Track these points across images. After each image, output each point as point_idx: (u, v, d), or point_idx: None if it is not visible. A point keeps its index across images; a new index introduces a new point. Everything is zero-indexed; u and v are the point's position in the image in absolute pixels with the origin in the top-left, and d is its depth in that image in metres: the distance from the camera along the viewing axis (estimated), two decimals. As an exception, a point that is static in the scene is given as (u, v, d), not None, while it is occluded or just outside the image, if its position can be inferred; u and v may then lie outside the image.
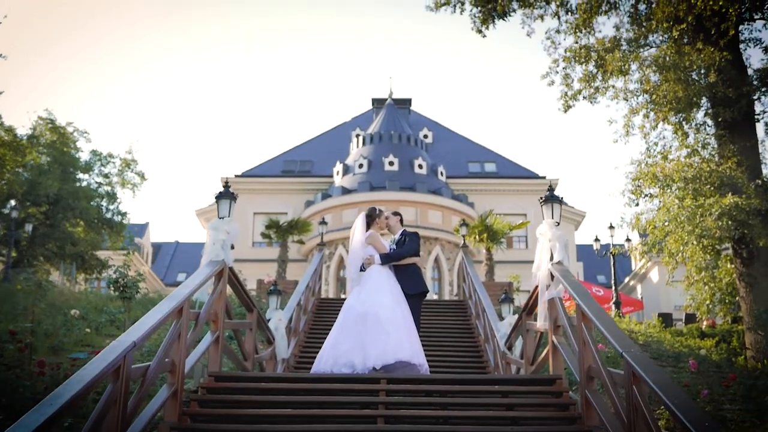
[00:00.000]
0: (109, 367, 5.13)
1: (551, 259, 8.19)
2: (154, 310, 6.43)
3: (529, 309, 9.51)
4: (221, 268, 8.23)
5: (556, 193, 8.61)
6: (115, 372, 5.32)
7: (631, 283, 49.37)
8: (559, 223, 8.41)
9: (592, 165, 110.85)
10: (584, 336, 6.87)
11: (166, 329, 8.90)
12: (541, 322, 8.43)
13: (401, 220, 9.98)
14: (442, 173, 44.88)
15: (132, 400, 5.72)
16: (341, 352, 8.53)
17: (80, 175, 35.78)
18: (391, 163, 43.13)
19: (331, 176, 45.89)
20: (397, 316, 8.73)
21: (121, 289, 12.20)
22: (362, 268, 9.34)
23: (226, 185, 8.81)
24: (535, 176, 47.97)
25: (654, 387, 4.79)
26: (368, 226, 9.54)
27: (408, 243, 9.56)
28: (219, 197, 8.64)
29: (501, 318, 13.20)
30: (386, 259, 9.33)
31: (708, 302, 18.95)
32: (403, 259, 9.47)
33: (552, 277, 8.13)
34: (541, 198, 8.60)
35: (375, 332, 8.48)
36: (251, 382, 7.88)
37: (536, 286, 8.46)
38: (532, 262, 8.81)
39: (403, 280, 9.33)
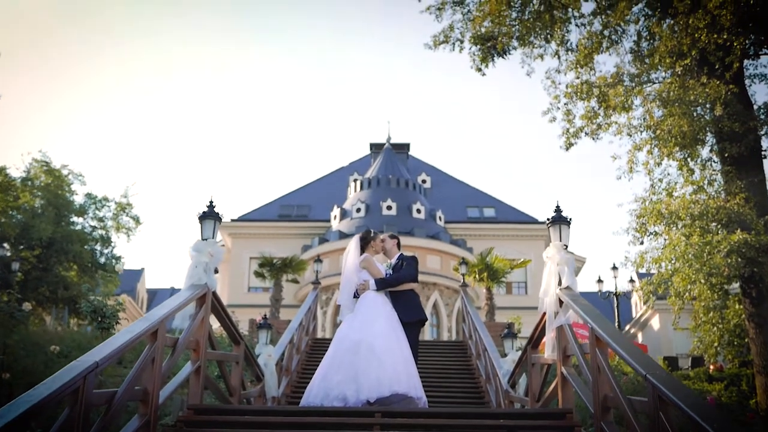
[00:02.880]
0: (65, 387, 4.47)
1: (559, 284, 7.60)
2: (124, 330, 5.81)
3: (535, 341, 8.87)
4: (203, 292, 7.60)
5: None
6: (73, 395, 4.66)
7: (632, 330, 48.59)
8: (567, 246, 7.83)
9: (591, 210, 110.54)
10: (599, 362, 6.25)
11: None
12: (548, 353, 7.79)
13: (398, 244, 9.34)
14: (440, 218, 44.38)
15: (93, 429, 5.05)
16: (333, 384, 7.85)
17: (74, 219, 35.33)
18: (389, 208, 42.63)
19: (329, 221, 45.42)
20: (393, 345, 8.07)
21: (99, 319, 11.50)
22: (356, 295, 8.73)
23: (211, 205, 8.24)
24: (535, 221, 47.49)
25: (688, 410, 4.16)
26: (363, 249, 8.91)
27: (405, 267, 8.91)
28: (202, 217, 8.08)
29: (503, 355, 12.58)
30: (382, 284, 8.67)
31: (716, 344, 18.31)
32: (400, 285, 8.80)
33: (561, 303, 7.53)
34: (548, 219, 8.03)
35: (369, 362, 7.81)
36: (235, 416, 7.20)
37: (543, 314, 7.86)
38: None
39: (399, 307, 8.65)
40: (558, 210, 8.05)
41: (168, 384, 6.89)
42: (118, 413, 5.46)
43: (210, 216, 8.10)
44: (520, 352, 10.47)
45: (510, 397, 10.51)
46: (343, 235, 41.38)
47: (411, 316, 8.73)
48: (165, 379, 6.70)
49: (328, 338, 28.11)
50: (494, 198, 51.38)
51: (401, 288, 8.82)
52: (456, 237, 44.48)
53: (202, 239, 8.01)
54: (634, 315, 49.40)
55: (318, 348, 17.57)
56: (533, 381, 8.93)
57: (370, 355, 7.88)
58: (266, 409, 8.17)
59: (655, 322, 44.41)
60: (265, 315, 12.82)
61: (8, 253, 31.18)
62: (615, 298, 27.01)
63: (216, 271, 7.91)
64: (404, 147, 55.31)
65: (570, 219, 7.96)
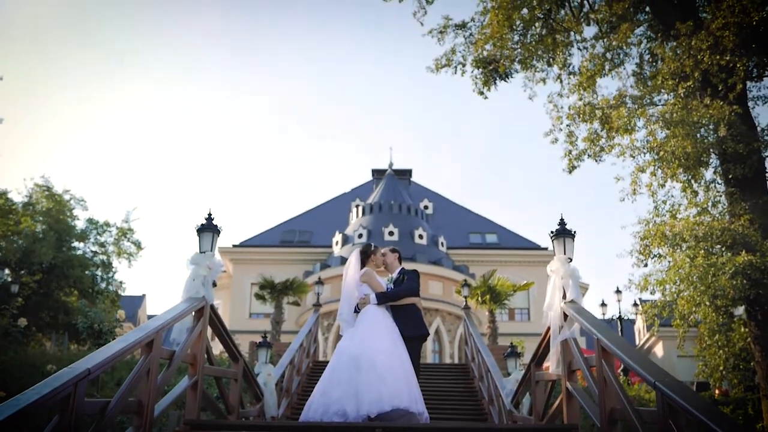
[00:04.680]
0: (55, 393, 4.33)
1: (564, 297, 7.45)
2: (118, 340, 5.67)
3: (539, 359, 8.70)
4: (201, 305, 7.46)
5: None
6: (63, 402, 4.52)
7: (636, 357, 48.29)
8: (571, 259, 7.69)
9: (594, 237, 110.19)
10: (605, 374, 6.09)
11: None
12: (553, 368, 7.62)
13: (399, 258, 9.21)
14: (442, 244, 44.22)
15: (85, 439, 4.90)
16: (332, 399, 7.67)
17: (76, 243, 35.16)
18: (391, 233, 42.48)
19: (331, 246, 45.27)
20: (394, 359, 7.89)
21: (95, 335, 11.29)
22: (356, 309, 8.58)
23: (209, 217, 8.10)
24: (537, 247, 47.36)
25: (699, 415, 4.00)
26: (363, 263, 8.78)
27: (407, 282, 8.76)
28: (201, 230, 7.94)
29: (506, 376, 12.38)
30: (383, 298, 8.50)
31: (721, 368, 18.05)
32: (401, 299, 8.63)
33: (565, 317, 7.37)
34: (552, 232, 7.90)
35: (369, 377, 7.63)
36: (232, 431, 7.04)
37: (548, 328, 7.70)
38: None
39: (401, 322, 8.47)
40: (562, 222, 7.91)
41: (164, 397, 6.73)
42: (110, 424, 5.30)
43: (208, 229, 7.96)
44: (523, 371, 10.29)
45: (513, 417, 10.30)
46: (345, 261, 41.13)
47: (412, 331, 8.55)
48: (161, 393, 6.55)
49: (329, 361, 27.80)
50: (496, 224, 51.28)
51: (402, 302, 8.67)
52: (458, 263, 44.29)
53: (200, 252, 7.86)
54: (637, 342, 49.13)
55: (319, 370, 17.30)
56: (537, 399, 8.74)
57: (370, 370, 7.71)
58: (264, 425, 8.01)
59: (659, 350, 44.15)
60: (265, 334, 12.64)
61: (9, 278, 31.05)
62: (619, 323, 26.80)
63: (214, 284, 7.77)
64: (406, 173, 55.38)
65: (574, 232, 7.82)
